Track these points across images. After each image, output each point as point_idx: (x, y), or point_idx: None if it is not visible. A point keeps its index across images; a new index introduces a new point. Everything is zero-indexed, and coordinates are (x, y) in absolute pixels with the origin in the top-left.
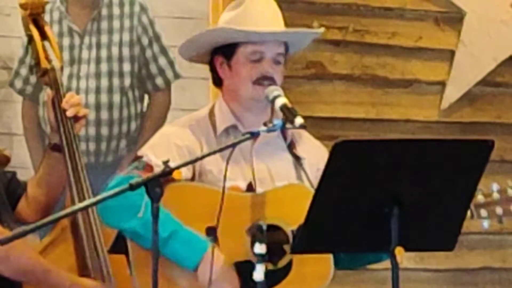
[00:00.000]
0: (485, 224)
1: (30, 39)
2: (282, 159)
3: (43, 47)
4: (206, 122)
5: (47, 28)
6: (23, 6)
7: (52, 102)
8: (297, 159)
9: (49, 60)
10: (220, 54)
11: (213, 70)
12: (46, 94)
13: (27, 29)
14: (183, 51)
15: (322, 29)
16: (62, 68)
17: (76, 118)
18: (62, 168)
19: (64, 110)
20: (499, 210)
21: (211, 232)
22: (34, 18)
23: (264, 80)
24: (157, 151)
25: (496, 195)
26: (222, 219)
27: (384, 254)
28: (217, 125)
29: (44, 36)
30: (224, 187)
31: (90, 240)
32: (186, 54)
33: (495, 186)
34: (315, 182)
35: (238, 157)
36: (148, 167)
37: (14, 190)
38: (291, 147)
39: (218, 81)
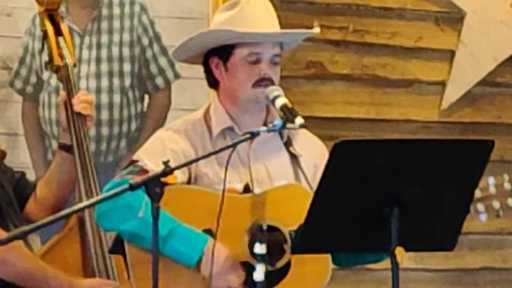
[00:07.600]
0: (483, 217)
1: (45, 34)
2: (279, 157)
3: (58, 43)
4: (202, 124)
5: (62, 25)
6: (39, 2)
7: (64, 102)
8: (294, 157)
9: (62, 57)
10: (216, 55)
11: (208, 71)
12: (60, 94)
13: (42, 24)
14: (177, 54)
15: (318, 29)
16: (75, 65)
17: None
18: (71, 167)
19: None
20: (496, 204)
21: (207, 234)
22: (50, 14)
23: (262, 81)
24: (152, 156)
25: (492, 189)
26: (221, 221)
27: (384, 254)
28: (213, 127)
29: (59, 32)
30: (224, 189)
31: (97, 239)
32: (180, 56)
33: (491, 180)
34: (312, 180)
35: (234, 159)
36: (143, 171)
37: (22, 190)
38: (287, 144)
39: (213, 83)
